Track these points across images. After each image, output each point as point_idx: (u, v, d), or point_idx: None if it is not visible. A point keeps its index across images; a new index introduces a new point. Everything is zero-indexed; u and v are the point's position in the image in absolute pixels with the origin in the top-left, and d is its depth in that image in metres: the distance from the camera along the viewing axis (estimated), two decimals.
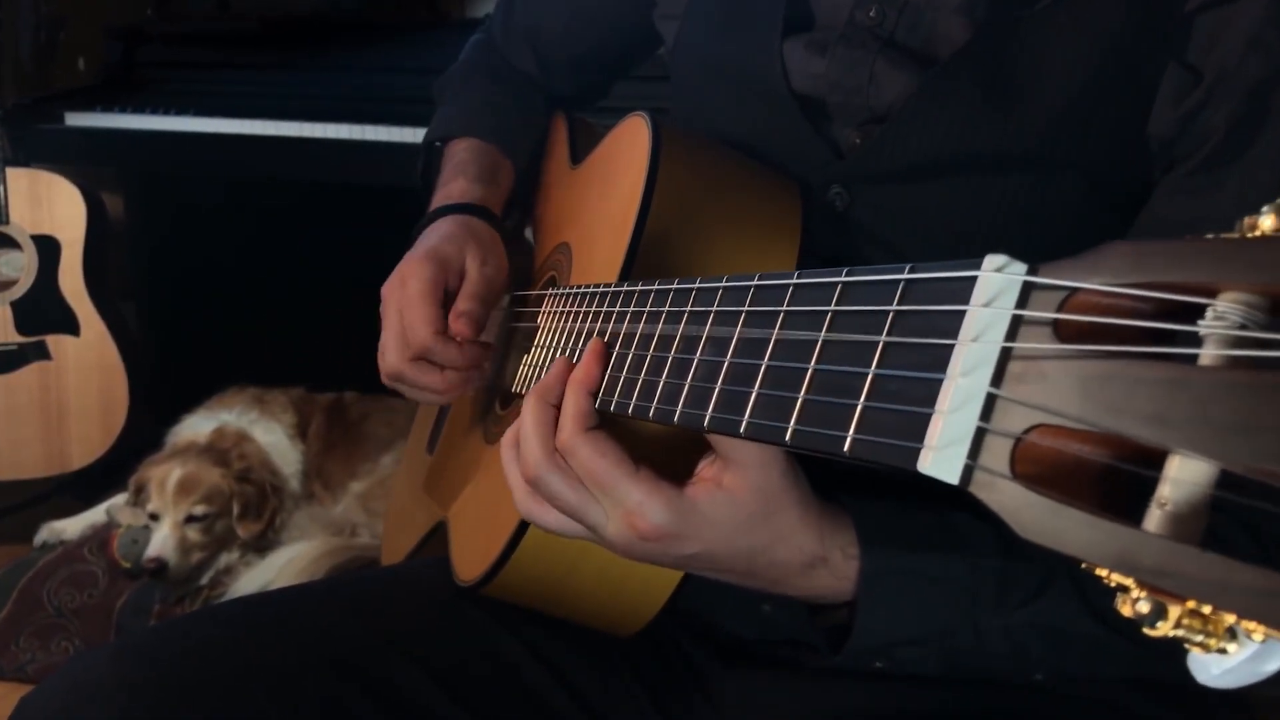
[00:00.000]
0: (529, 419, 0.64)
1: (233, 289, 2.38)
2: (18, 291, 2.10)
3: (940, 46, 0.80)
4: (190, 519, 1.81)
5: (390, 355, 0.92)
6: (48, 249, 2.11)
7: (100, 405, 2.13)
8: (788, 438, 0.46)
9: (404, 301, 0.90)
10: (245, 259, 2.38)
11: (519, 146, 1.13)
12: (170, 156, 2.13)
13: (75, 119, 2.14)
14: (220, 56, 2.25)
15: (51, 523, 1.99)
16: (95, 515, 1.98)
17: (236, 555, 1.87)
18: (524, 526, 0.76)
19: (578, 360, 0.65)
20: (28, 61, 2.25)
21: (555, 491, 0.63)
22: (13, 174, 2.08)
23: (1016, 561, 0.67)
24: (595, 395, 0.63)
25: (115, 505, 1.93)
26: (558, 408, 0.64)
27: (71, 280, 2.12)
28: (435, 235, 0.96)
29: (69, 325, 2.12)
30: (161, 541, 1.78)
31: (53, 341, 2.12)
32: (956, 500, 0.37)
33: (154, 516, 1.81)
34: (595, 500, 0.62)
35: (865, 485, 0.66)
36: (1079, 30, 0.74)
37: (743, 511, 0.60)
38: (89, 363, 2.13)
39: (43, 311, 2.11)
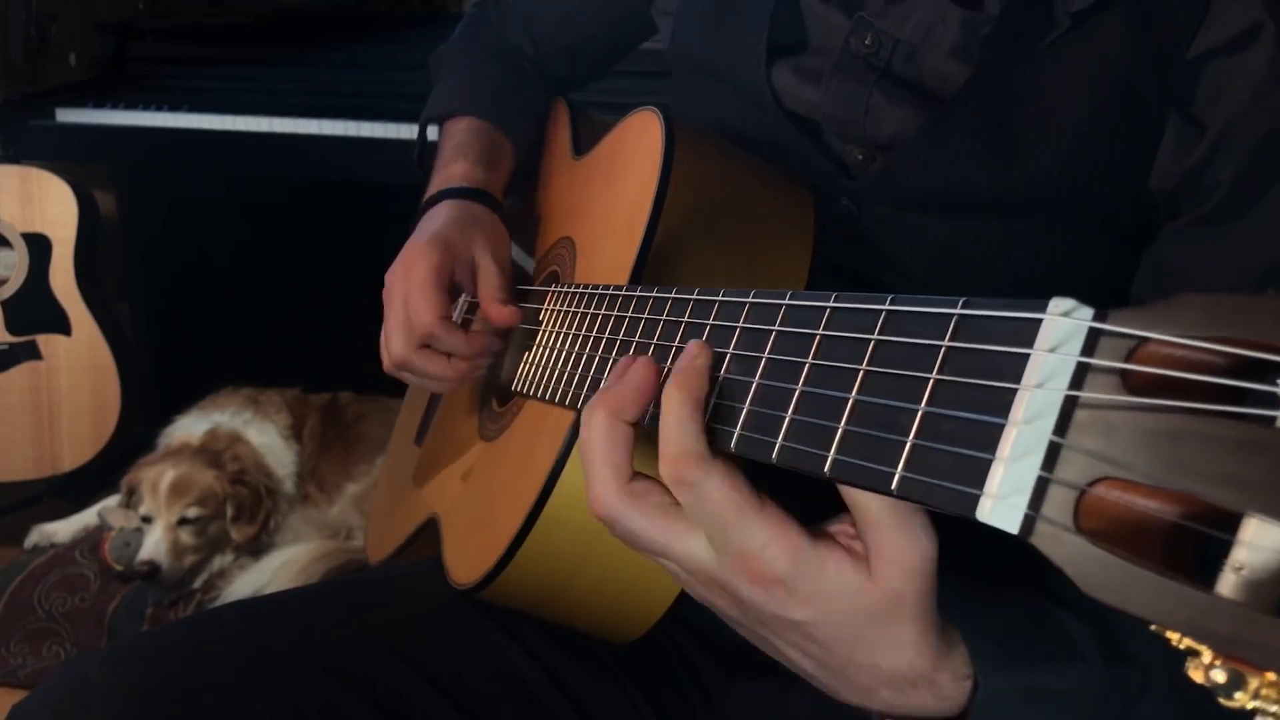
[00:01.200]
0: (598, 442, 0.54)
1: (226, 288, 2.37)
2: (8, 291, 2.09)
3: (937, 81, 0.79)
4: (183, 521, 1.80)
5: (395, 343, 0.91)
6: (39, 247, 2.10)
7: (92, 406, 2.12)
8: (827, 468, 0.45)
9: (409, 288, 0.89)
10: (239, 257, 2.37)
11: (519, 128, 1.11)
12: (163, 153, 2.12)
13: (66, 115, 2.12)
14: (214, 52, 2.24)
15: (42, 525, 1.97)
16: (87, 517, 1.97)
17: (230, 558, 1.86)
18: (525, 530, 0.76)
19: (670, 367, 0.55)
20: (18, 57, 2.23)
21: (634, 531, 0.54)
22: (3, 171, 2.07)
23: (1119, 665, 0.61)
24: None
25: (107, 507, 1.92)
26: (634, 424, 0.54)
27: (63, 279, 2.10)
28: (439, 220, 0.95)
29: (60, 325, 2.11)
30: (154, 544, 1.77)
31: (44, 341, 2.11)
32: (1044, 562, 0.36)
33: (146, 519, 1.80)
34: (692, 531, 0.53)
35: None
36: (1081, 72, 0.73)
37: (866, 601, 0.51)
38: (81, 363, 2.12)
39: (34, 311, 2.10)
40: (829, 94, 0.82)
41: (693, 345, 0.54)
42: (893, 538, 0.49)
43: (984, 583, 0.61)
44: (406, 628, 0.87)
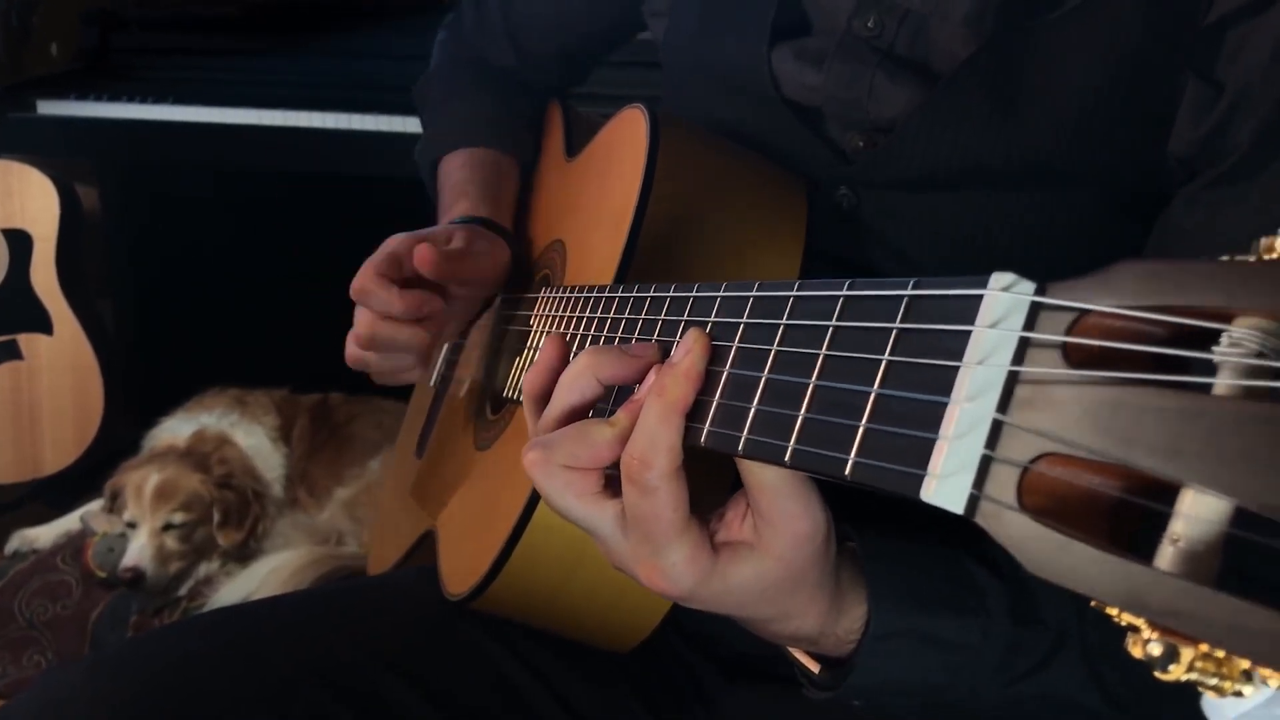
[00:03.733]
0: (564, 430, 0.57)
1: (213, 285, 2.38)
2: None
3: (942, 60, 0.79)
4: (168, 526, 1.81)
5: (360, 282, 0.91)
6: (19, 244, 2.11)
7: (74, 407, 2.13)
8: (787, 457, 0.46)
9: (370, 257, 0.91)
10: (226, 254, 2.38)
11: (518, 144, 1.13)
12: (148, 147, 2.12)
13: (48, 107, 2.13)
14: (200, 42, 2.25)
15: (23, 530, 1.98)
16: (69, 523, 1.98)
17: (217, 565, 1.87)
18: (514, 538, 0.76)
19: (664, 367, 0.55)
20: None
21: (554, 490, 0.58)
22: None
23: (1028, 627, 0.66)
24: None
25: (90, 512, 1.93)
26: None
27: (44, 277, 2.12)
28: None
29: (41, 324, 2.12)
30: (138, 550, 1.78)
31: (24, 341, 2.12)
32: (964, 529, 0.37)
33: (130, 524, 1.81)
34: (609, 519, 0.57)
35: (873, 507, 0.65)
36: (1092, 42, 0.73)
37: (764, 581, 0.57)
38: (63, 363, 2.13)
39: (14, 309, 2.11)
40: (831, 76, 0.82)
41: (688, 338, 0.54)
42: (783, 506, 0.54)
43: (900, 531, 0.65)
44: (399, 636, 0.88)
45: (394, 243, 0.90)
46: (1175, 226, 0.72)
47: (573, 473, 0.56)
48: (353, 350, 0.92)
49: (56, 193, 2.11)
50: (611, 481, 0.57)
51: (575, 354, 0.73)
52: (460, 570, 0.86)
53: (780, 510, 0.54)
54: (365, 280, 0.88)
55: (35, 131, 2.14)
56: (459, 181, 1.08)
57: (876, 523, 0.64)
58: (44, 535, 1.97)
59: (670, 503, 0.52)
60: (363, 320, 0.91)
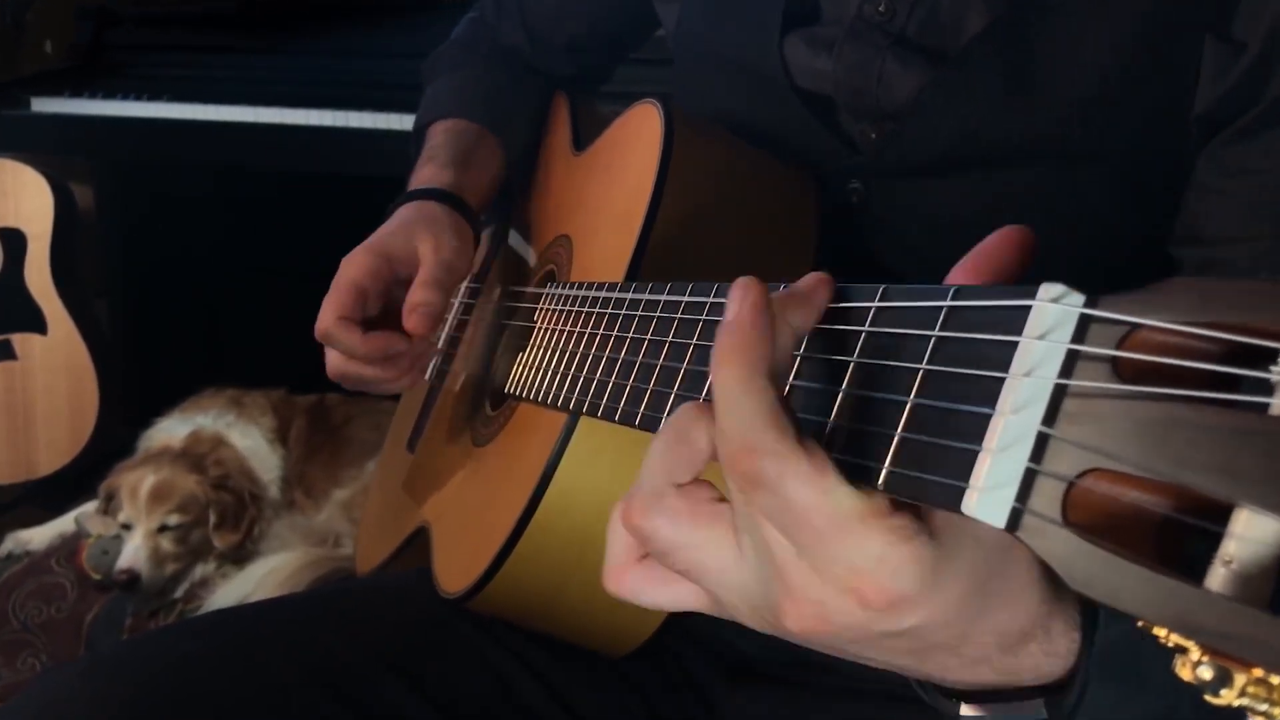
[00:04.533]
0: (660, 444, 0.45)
1: (209, 285, 2.38)
2: None
3: (956, 42, 0.79)
4: (164, 528, 1.81)
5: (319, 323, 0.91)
6: (13, 243, 2.10)
7: (69, 408, 2.13)
8: None
9: (332, 286, 0.91)
10: (222, 253, 2.38)
11: (510, 126, 1.12)
12: (143, 145, 2.12)
13: (42, 105, 2.13)
14: (196, 39, 2.24)
15: (17, 532, 1.98)
16: (63, 524, 1.98)
17: (213, 567, 1.87)
18: (514, 537, 0.76)
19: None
20: None
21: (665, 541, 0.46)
22: None
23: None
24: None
25: (85, 514, 1.93)
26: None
27: (39, 276, 2.11)
28: (389, 225, 0.96)
29: (36, 324, 2.12)
30: (134, 552, 1.78)
31: (18, 341, 2.12)
32: None
33: (126, 526, 1.81)
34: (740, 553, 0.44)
35: None
36: (1105, 11, 0.73)
37: (983, 550, 0.43)
38: (57, 363, 2.12)
39: (8, 309, 2.11)
40: (841, 61, 0.82)
41: (734, 289, 0.45)
42: None
43: None
44: (397, 638, 0.87)
45: (354, 271, 0.90)
46: (1205, 187, 0.71)
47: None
48: (331, 370, 0.95)
49: (51, 191, 2.11)
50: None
51: (578, 355, 0.72)
52: (456, 568, 0.85)
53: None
54: (326, 324, 0.89)
55: (29, 129, 2.14)
56: (435, 145, 1.07)
57: None
58: (38, 537, 1.97)
59: (811, 489, 0.40)
60: (331, 359, 0.93)
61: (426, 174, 1.03)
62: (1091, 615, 0.47)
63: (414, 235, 0.94)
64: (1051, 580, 0.46)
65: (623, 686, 0.89)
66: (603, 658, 0.85)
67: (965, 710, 0.49)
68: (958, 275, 0.46)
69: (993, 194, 0.79)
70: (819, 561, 0.41)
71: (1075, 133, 0.75)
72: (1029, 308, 0.36)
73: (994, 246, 0.46)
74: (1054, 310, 0.35)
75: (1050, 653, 0.47)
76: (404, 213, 0.97)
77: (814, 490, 0.40)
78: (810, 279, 0.48)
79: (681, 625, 0.88)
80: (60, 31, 2.28)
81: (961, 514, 0.37)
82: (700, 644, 0.92)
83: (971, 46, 0.77)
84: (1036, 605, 0.46)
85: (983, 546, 0.42)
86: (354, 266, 0.91)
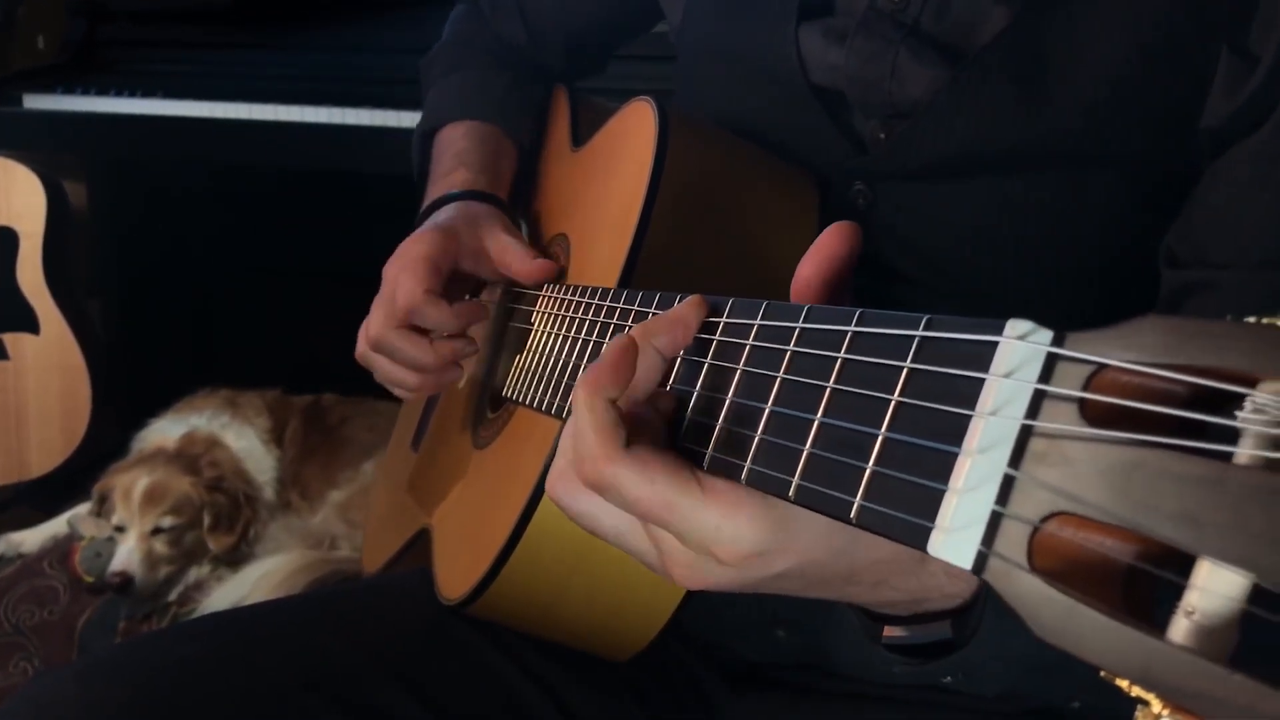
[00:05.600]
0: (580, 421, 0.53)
1: (204, 284, 2.38)
2: None
3: (968, 36, 0.79)
4: (158, 530, 1.80)
5: (373, 319, 0.91)
6: (5, 241, 2.11)
7: (61, 408, 2.13)
8: (791, 493, 0.46)
9: (401, 267, 0.90)
10: (216, 252, 2.38)
11: (521, 128, 1.12)
12: (136, 142, 2.12)
13: (34, 101, 2.13)
14: (190, 34, 2.24)
15: (9, 534, 1.98)
16: (56, 526, 1.98)
17: (207, 569, 1.87)
18: (512, 542, 0.76)
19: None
20: None
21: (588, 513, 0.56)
22: None
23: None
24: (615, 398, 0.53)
25: (77, 516, 1.92)
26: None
27: (30, 275, 2.11)
28: (442, 216, 0.96)
29: (28, 323, 2.12)
30: (127, 554, 1.78)
31: (10, 340, 2.12)
32: None
33: (119, 528, 1.81)
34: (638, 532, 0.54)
35: None
36: (1122, 16, 0.73)
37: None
38: (49, 363, 2.12)
39: None
40: (853, 52, 0.82)
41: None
42: None
43: None
44: (394, 642, 0.87)
45: (426, 248, 0.90)
46: (1195, 208, 0.71)
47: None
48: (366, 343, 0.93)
49: (43, 189, 2.11)
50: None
51: (571, 361, 0.72)
52: (456, 573, 0.85)
53: None
54: (415, 299, 0.88)
55: (21, 126, 2.14)
56: (461, 150, 1.07)
57: None
58: (30, 539, 1.97)
59: (640, 479, 0.50)
60: (406, 347, 0.91)
61: (462, 177, 1.03)
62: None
63: (479, 229, 0.94)
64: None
65: (625, 692, 0.89)
66: (606, 666, 0.86)
67: (887, 632, 0.59)
68: (806, 266, 0.54)
69: (1003, 197, 0.79)
70: (678, 533, 0.51)
71: (1089, 137, 0.75)
72: (996, 344, 0.36)
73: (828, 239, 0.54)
74: (1021, 348, 0.35)
75: (952, 573, 0.55)
76: (459, 209, 0.97)
77: (643, 485, 0.50)
78: (683, 305, 0.55)
79: (685, 631, 0.88)
80: (52, 27, 2.28)
81: (928, 552, 0.36)
82: (703, 650, 0.92)
83: (987, 46, 0.77)
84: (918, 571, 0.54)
85: None
86: (424, 244, 0.90)
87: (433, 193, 1.03)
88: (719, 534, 0.50)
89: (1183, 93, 0.72)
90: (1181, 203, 0.73)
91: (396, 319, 0.89)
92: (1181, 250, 0.72)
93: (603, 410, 0.51)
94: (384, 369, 0.94)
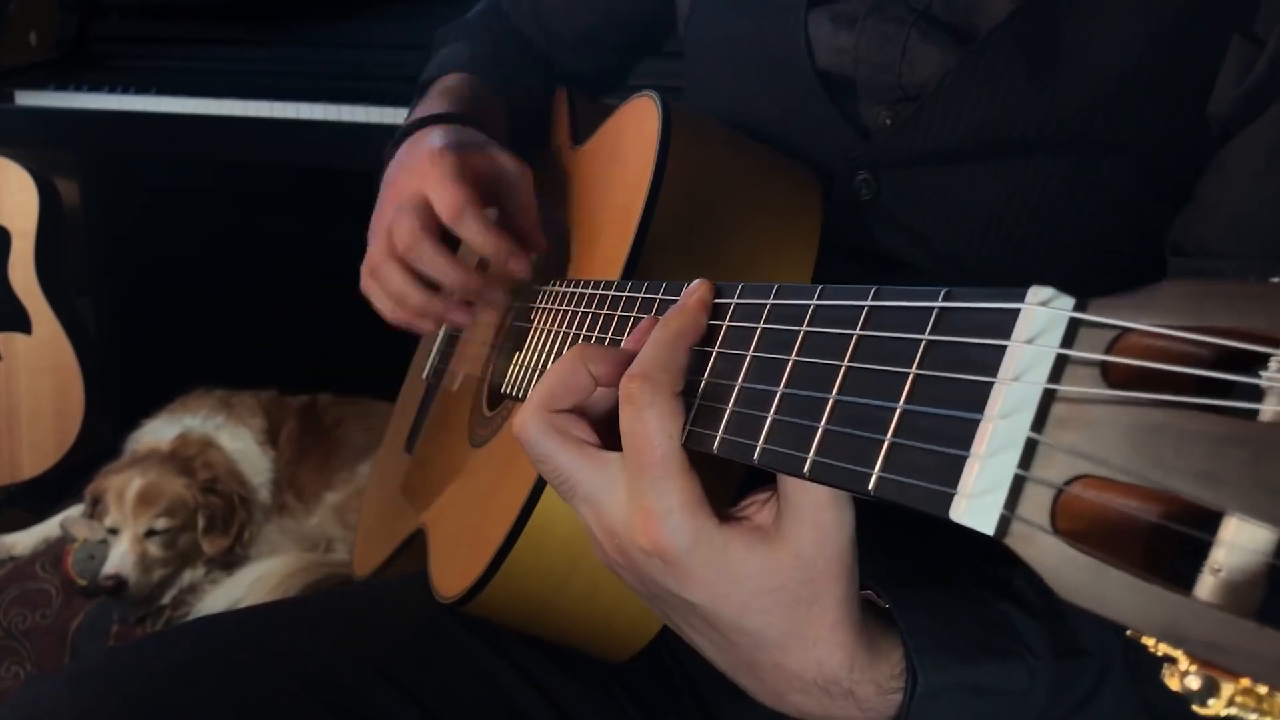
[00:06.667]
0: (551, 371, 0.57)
1: (198, 283, 2.38)
2: None
3: (981, 20, 0.79)
4: (151, 533, 1.80)
5: (403, 224, 0.87)
6: None
7: (54, 409, 2.13)
8: (805, 469, 0.46)
9: (442, 174, 0.87)
10: (211, 250, 2.38)
11: (510, 87, 1.13)
12: (130, 139, 2.12)
13: (26, 98, 2.13)
14: (184, 30, 2.24)
15: (1, 537, 1.98)
16: (48, 529, 1.97)
17: (201, 572, 1.87)
18: (510, 540, 0.76)
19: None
20: None
21: (548, 455, 0.57)
22: None
23: (1073, 659, 0.63)
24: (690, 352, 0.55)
25: (70, 518, 1.92)
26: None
27: (23, 274, 2.11)
28: (437, 136, 0.92)
29: (20, 323, 2.12)
30: (120, 557, 1.77)
31: (2, 340, 2.12)
32: (990, 553, 0.37)
33: (112, 530, 1.81)
34: (608, 467, 0.54)
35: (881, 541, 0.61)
36: (1132, 1, 0.73)
37: (775, 580, 0.52)
38: (42, 363, 2.12)
39: None
40: (864, 35, 0.83)
41: (691, 286, 0.56)
42: (813, 490, 0.50)
43: (924, 577, 0.62)
44: (390, 645, 0.88)
45: (461, 161, 0.88)
46: (1200, 196, 0.72)
47: (569, 417, 0.56)
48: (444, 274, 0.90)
49: (35, 187, 2.11)
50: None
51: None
52: (452, 572, 0.86)
53: (809, 493, 0.50)
54: (460, 201, 0.85)
55: (13, 123, 2.13)
56: (447, 88, 1.07)
57: (891, 556, 0.62)
58: (22, 542, 1.97)
59: (662, 427, 0.51)
60: (440, 267, 0.88)
61: (444, 105, 1.02)
62: (920, 664, 0.56)
63: (487, 147, 0.93)
64: (857, 644, 0.54)
65: (622, 694, 0.89)
66: (602, 668, 0.86)
67: None
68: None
69: (1012, 183, 0.79)
70: (634, 486, 0.52)
71: (1098, 122, 0.75)
72: (1018, 311, 0.36)
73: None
74: (1043, 314, 0.36)
75: (869, 710, 0.56)
76: (452, 131, 0.94)
77: (663, 428, 0.51)
78: (690, 289, 0.56)
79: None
80: (44, 23, 2.27)
81: (950, 518, 0.37)
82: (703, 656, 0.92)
83: (998, 28, 0.77)
84: (831, 659, 0.54)
85: (779, 573, 0.51)
86: (453, 156, 0.88)
87: (415, 115, 1.03)
88: (665, 516, 0.51)
89: (1194, 78, 0.72)
90: (1191, 189, 0.73)
91: (436, 222, 0.87)
92: (1185, 239, 0.72)
93: (673, 344, 0.54)
94: (395, 282, 0.90)
